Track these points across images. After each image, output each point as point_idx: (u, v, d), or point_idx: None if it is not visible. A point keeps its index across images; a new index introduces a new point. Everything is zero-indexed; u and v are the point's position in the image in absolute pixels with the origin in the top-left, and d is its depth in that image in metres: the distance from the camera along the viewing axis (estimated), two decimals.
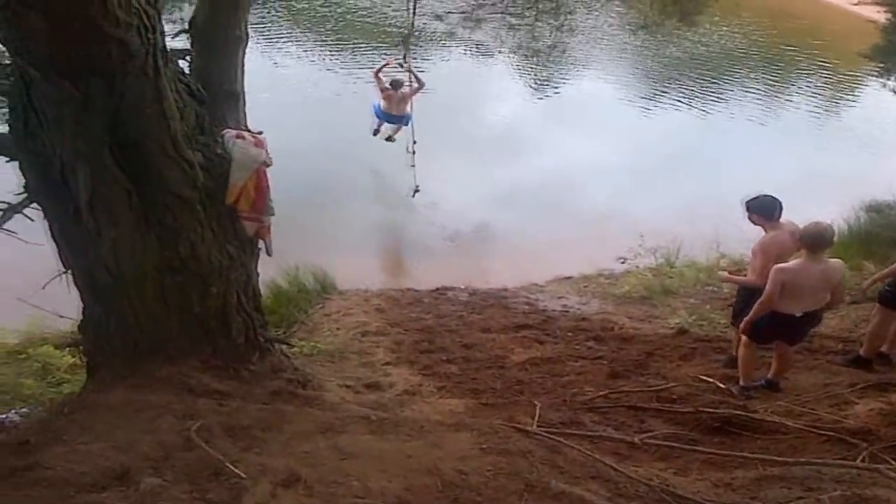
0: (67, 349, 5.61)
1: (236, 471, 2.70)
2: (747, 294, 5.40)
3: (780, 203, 5.31)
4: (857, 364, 5.68)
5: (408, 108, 11.63)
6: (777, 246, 5.22)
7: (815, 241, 4.83)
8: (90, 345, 4.14)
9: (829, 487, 3.13)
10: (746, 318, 5.13)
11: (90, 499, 2.50)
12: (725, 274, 6.33)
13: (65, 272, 3.97)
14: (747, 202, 5.43)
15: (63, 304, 4.71)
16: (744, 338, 5.29)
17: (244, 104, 4.81)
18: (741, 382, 5.32)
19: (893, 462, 3.58)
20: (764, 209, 5.31)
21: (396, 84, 11.43)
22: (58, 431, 3.08)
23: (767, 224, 5.30)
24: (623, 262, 10.38)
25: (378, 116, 11.98)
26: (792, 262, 4.98)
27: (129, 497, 2.51)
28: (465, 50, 19.89)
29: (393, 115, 11.75)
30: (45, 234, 3.85)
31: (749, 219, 5.44)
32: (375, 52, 19.94)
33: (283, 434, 3.18)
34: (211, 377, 3.88)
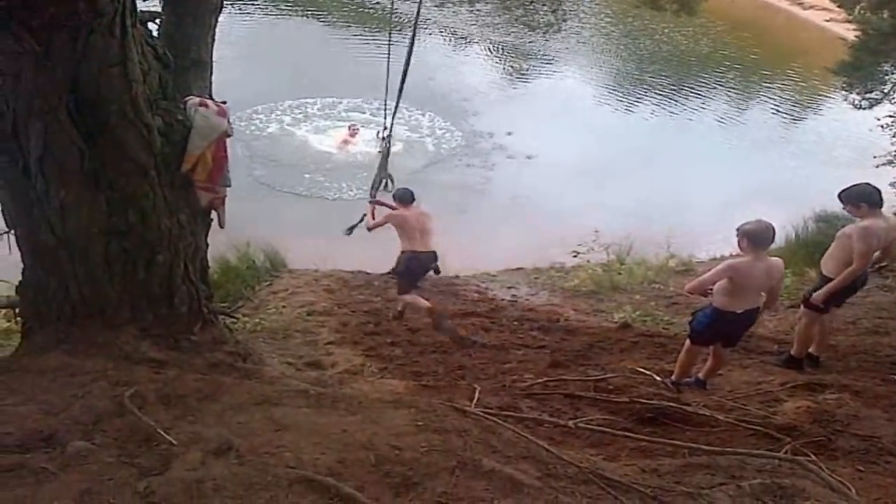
0: (3, 312, 5.47)
1: (167, 437, 2.68)
2: None
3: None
4: (789, 364, 5.87)
5: None
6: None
7: (757, 238, 4.87)
8: (27, 308, 4.04)
9: (751, 476, 3.24)
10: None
11: (13, 460, 2.45)
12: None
13: (7, 232, 3.88)
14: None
15: (2, 267, 4.60)
16: (687, 342, 5.40)
17: (211, 73, 4.74)
18: (674, 378, 5.44)
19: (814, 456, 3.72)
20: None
21: None
22: None
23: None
24: (575, 256, 10.52)
25: None
26: (741, 260, 5.00)
27: (55, 459, 2.48)
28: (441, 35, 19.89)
29: None
30: None
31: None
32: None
33: (219, 404, 3.15)
34: (150, 345, 3.82)
